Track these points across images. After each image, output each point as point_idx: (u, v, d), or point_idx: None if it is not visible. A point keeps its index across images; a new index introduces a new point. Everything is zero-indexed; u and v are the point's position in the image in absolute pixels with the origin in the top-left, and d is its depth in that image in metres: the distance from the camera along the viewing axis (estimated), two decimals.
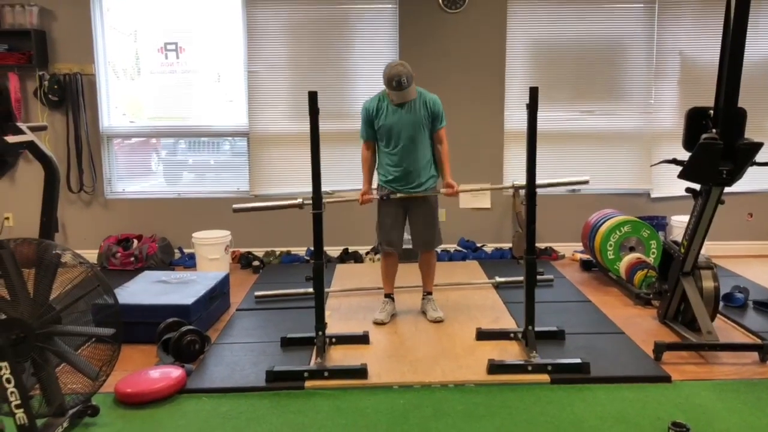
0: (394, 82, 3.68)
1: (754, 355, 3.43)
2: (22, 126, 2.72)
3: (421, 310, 4.19)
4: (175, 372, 3.18)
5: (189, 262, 5.47)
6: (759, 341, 3.61)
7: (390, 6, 5.45)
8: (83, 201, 5.61)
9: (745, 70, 3.37)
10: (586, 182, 3.94)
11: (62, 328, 2.61)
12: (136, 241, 5.46)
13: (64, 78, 5.36)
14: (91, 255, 5.37)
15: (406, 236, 4.14)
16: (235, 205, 3.80)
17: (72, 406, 2.72)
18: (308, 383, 3.17)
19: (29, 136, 2.73)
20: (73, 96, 5.39)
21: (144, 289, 4.05)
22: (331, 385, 3.17)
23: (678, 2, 5.46)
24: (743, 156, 3.39)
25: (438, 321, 4.02)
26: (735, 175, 3.43)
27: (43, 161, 2.78)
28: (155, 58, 5.56)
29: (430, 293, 4.21)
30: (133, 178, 5.81)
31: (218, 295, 4.21)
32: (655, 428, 2.72)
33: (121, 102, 5.63)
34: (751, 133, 3.46)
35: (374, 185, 4.07)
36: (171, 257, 5.58)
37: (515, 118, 5.54)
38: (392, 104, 3.82)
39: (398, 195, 3.91)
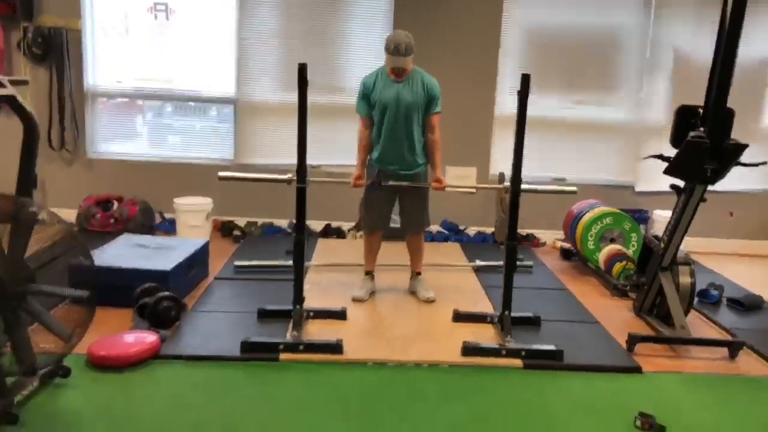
0: (393, 45, 3.66)
1: (724, 351, 3.49)
2: (2, 79, 2.65)
3: (410, 290, 4.19)
4: (149, 337, 3.16)
5: (169, 228, 5.42)
6: (730, 338, 3.68)
7: None
8: (64, 159, 5.51)
9: (736, 71, 3.38)
10: (574, 192, 3.92)
11: (36, 287, 2.58)
12: (116, 203, 5.38)
13: (49, 32, 5.23)
14: (70, 215, 5.28)
15: (393, 216, 4.12)
16: (221, 173, 3.70)
17: (43, 366, 2.69)
18: (283, 356, 3.17)
19: (9, 90, 2.65)
20: (57, 51, 5.26)
21: (122, 253, 4.01)
22: (306, 358, 3.17)
23: None
24: (729, 156, 3.42)
25: (430, 301, 4.02)
26: (719, 175, 3.47)
27: (22, 117, 2.72)
28: (144, 19, 5.44)
29: (419, 273, 4.21)
30: (117, 139, 5.71)
31: (197, 262, 4.18)
32: (623, 418, 2.77)
33: (108, 61, 5.51)
34: (737, 134, 3.48)
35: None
36: (151, 221, 5.51)
37: (506, 103, 5.52)
38: (390, 80, 3.78)
39: (390, 182, 3.87)
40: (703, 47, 5.25)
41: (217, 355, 3.17)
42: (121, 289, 3.56)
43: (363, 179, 3.91)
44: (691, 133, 3.46)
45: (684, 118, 3.61)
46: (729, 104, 3.43)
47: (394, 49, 3.65)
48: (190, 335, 3.39)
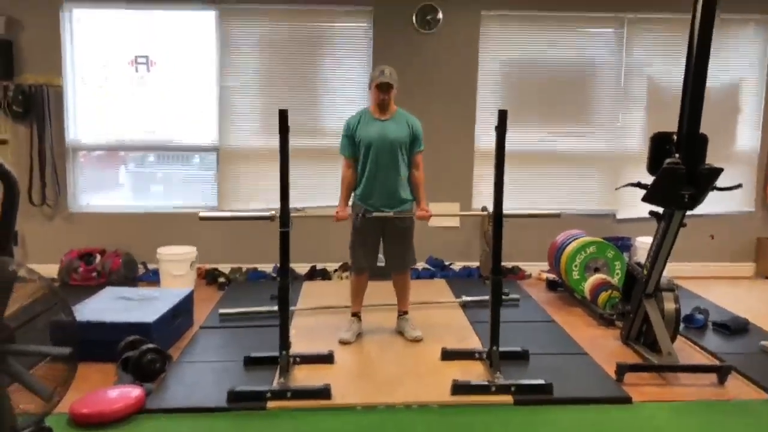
0: (378, 70, 3.81)
1: (713, 377, 3.49)
2: None
3: (397, 330, 4.17)
4: (134, 391, 3.12)
5: (153, 278, 5.38)
6: (718, 362, 3.68)
7: (364, 25, 5.49)
8: (45, 215, 5.49)
9: (708, 96, 3.46)
10: (557, 216, 3.94)
11: (16, 347, 2.53)
12: (99, 256, 5.36)
13: (30, 89, 5.27)
14: (52, 270, 5.24)
15: (379, 255, 4.13)
16: (201, 213, 3.66)
17: (24, 427, 2.63)
18: (270, 404, 3.13)
19: None
20: (38, 108, 5.29)
21: (105, 306, 3.97)
22: (294, 405, 3.13)
23: (646, 28, 5.60)
24: (704, 181, 3.47)
25: (417, 340, 4.00)
26: (697, 200, 3.51)
27: (2, 176, 2.72)
28: (126, 72, 5.50)
29: (405, 312, 4.19)
30: (99, 191, 5.72)
31: (182, 312, 4.14)
32: None
33: (90, 114, 5.54)
34: (712, 158, 3.55)
35: (350, 201, 4.05)
36: (135, 273, 5.47)
37: (485, 137, 5.60)
38: (374, 118, 3.86)
39: (374, 214, 3.90)
40: (674, 74, 5.40)
41: (203, 406, 3.13)
42: (104, 343, 3.52)
43: (345, 212, 3.93)
44: (667, 160, 3.51)
45: (659, 144, 3.67)
46: (702, 129, 3.50)
47: (379, 73, 3.78)
48: (175, 387, 3.34)
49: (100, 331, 3.61)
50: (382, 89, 3.80)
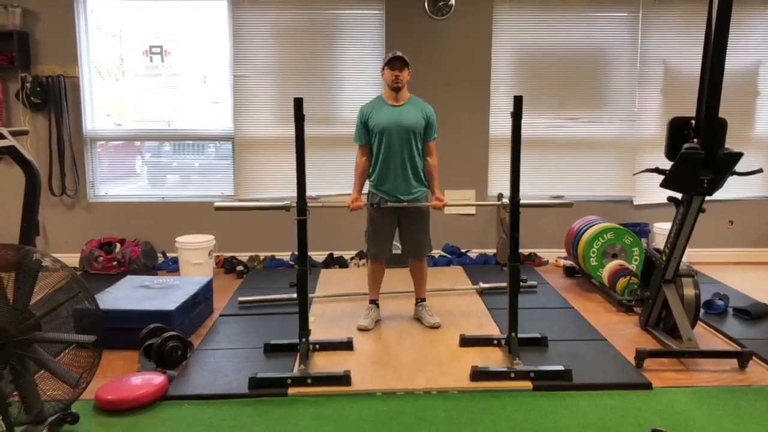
0: (391, 53, 3.79)
1: (734, 362, 3.47)
2: (3, 130, 2.69)
3: (416, 317, 4.18)
4: (156, 378, 3.16)
5: (172, 267, 5.43)
6: (738, 348, 3.65)
7: (377, 11, 5.46)
8: (65, 204, 5.55)
9: (727, 80, 3.41)
10: (570, 206, 3.93)
11: (42, 335, 2.58)
12: (118, 245, 5.42)
13: (47, 80, 5.31)
14: (73, 259, 5.31)
15: (395, 242, 4.14)
16: (216, 203, 3.66)
17: (51, 414, 2.68)
18: (291, 390, 3.16)
19: (10, 141, 2.69)
20: (55, 98, 5.34)
21: (126, 295, 4.02)
22: (315, 392, 3.16)
23: (662, 12, 5.53)
24: (724, 166, 3.44)
25: (435, 327, 4.01)
26: (716, 185, 3.48)
27: (23, 166, 2.75)
28: (140, 61, 5.53)
29: (423, 299, 4.20)
30: (117, 181, 5.77)
31: (201, 300, 4.18)
32: None
33: (106, 104, 5.59)
34: (731, 143, 3.51)
35: (364, 190, 4.04)
36: (154, 261, 5.53)
37: (500, 124, 5.57)
38: (388, 105, 3.85)
39: (389, 204, 3.90)
40: (691, 58, 5.33)
41: (225, 393, 3.16)
42: (126, 331, 3.58)
43: (360, 201, 3.94)
44: (685, 145, 3.48)
45: (677, 129, 3.63)
46: (721, 113, 3.45)
47: (393, 54, 3.77)
48: (197, 374, 3.38)
49: (122, 319, 3.66)
50: (394, 65, 3.77)
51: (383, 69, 3.84)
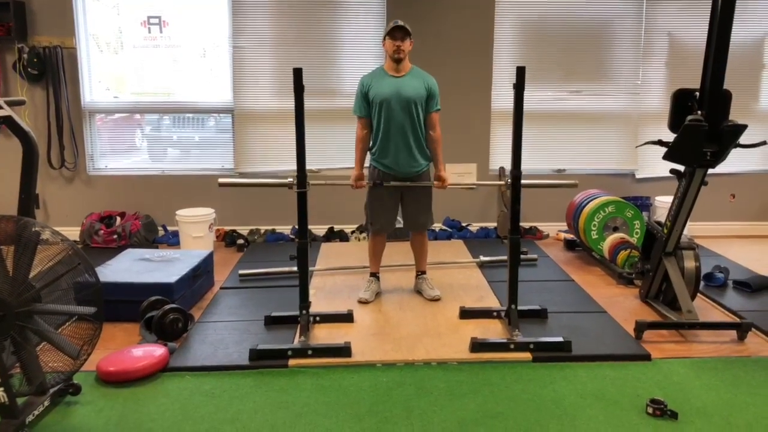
0: (393, 22, 3.73)
1: (733, 334, 3.49)
2: None
3: (416, 289, 4.19)
4: (158, 350, 3.17)
5: (173, 240, 5.43)
6: (737, 320, 3.66)
7: None
8: (65, 177, 5.53)
9: (732, 52, 3.36)
10: (575, 185, 3.90)
11: (42, 306, 2.59)
12: (119, 219, 5.41)
13: (44, 51, 5.25)
14: (74, 232, 5.32)
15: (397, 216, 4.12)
16: (221, 180, 3.70)
17: (53, 385, 2.70)
18: (292, 361, 3.18)
19: (6, 111, 2.67)
20: (53, 70, 5.29)
21: (127, 267, 4.02)
22: (315, 363, 3.18)
23: None
24: (727, 138, 3.41)
25: (436, 299, 4.02)
26: (719, 157, 3.45)
27: (21, 137, 2.73)
28: (138, 32, 5.46)
29: (423, 272, 4.20)
30: (117, 155, 5.74)
31: (202, 273, 4.19)
32: (634, 405, 2.76)
33: (104, 77, 5.54)
34: (735, 115, 3.47)
35: (366, 163, 3.98)
36: (154, 235, 5.53)
37: (502, 97, 5.52)
38: (389, 76, 3.79)
39: (391, 183, 3.86)
40: (696, 30, 5.27)
41: (226, 364, 3.18)
42: (127, 303, 3.59)
43: (363, 179, 3.90)
44: (689, 117, 3.45)
45: (681, 102, 3.59)
46: (726, 85, 3.42)
47: (393, 25, 3.71)
48: (198, 346, 3.39)
49: (123, 292, 3.67)
50: (396, 36, 3.70)
51: (384, 39, 3.78)
